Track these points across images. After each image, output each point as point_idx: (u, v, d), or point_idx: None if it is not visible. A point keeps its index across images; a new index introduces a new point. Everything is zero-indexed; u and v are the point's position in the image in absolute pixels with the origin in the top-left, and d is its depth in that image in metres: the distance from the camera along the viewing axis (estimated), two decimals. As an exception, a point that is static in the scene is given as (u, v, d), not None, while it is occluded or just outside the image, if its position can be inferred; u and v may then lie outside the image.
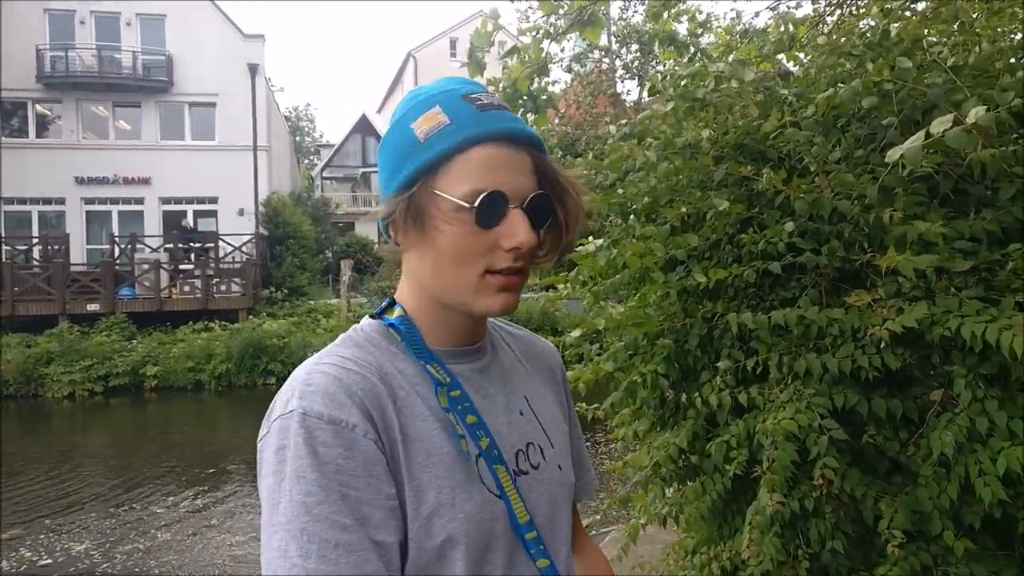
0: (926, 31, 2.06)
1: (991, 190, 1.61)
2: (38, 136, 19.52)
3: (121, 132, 20.00)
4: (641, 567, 2.94)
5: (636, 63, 17.89)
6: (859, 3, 3.23)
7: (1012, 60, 1.84)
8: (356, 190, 30.90)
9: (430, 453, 0.71)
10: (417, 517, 0.69)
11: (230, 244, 17.84)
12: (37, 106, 19.42)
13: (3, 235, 17.45)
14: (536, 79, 2.82)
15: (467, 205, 0.71)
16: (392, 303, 0.82)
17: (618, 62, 18.25)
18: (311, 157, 43.35)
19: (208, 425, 12.35)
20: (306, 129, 50.97)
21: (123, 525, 6.97)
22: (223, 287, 16.71)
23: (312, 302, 17.60)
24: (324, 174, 33.59)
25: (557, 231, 0.79)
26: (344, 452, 0.66)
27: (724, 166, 1.83)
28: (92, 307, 15.33)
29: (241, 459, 9.27)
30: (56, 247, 16.70)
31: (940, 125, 1.25)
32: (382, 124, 34.98)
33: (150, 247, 17.56)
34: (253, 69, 19.86)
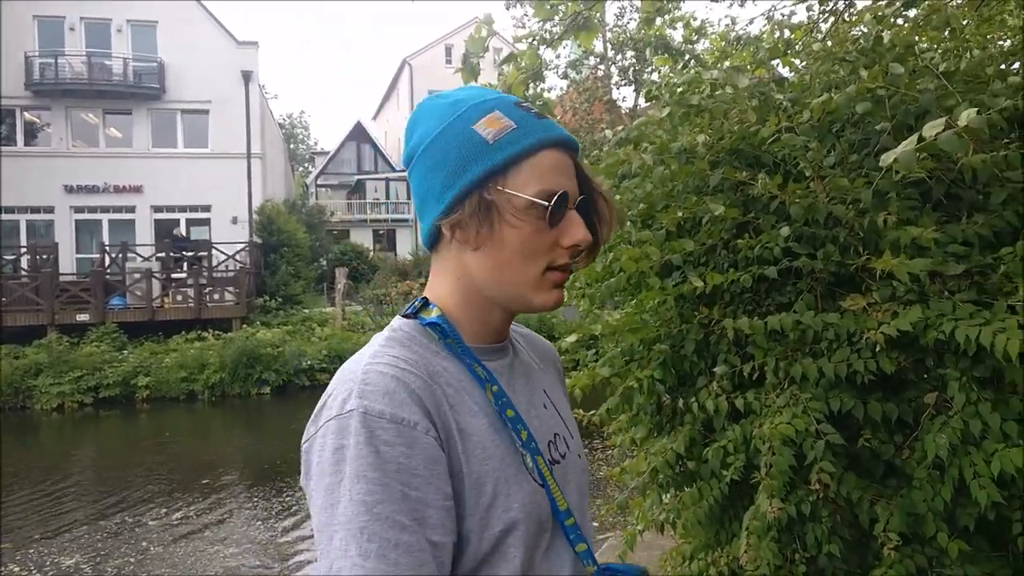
0: (918, 38, 2.09)
1: (983, 195, 1.62)
2: (27, 144, 19.33)
3: (112, 140, 19.88)
4: (638, 573, 2.92)
5: (632, 69, 17.97)
6: (852, 10, 3.26)
7: (1003, 66, 1.87)
8: (351, 197, 30.83)
9: (485, 447, 0.74)
10: (477, 509, 0.71)
11: (223, 252, 17.71)
12: (26, 113, 19.24)
13: (-8, 244, 17.33)
14: (531, 85, 2.83)
15: (544, 203, 0.75)
16: (425, 302, 0.83)
17: (614, 68, 18.33)
18: (305, 165, 43.24)
19: (201, 435, 12.24)
20: (300, 136, 50.96)
21: (114, 537, 6.89)
22: (216, 296, 16.56)
23: (307, 310, 17.49)
24: (318, 182, 33.47)
25: (594, 233, 0.83)
26: (406, 451, 0.67)
27: (720, 171, 1.84)
28: (82, 317, 15.14)
29: (235, 469, 9.20)
30: (45, 256, 16.45)
31: (932, 129, 1.26)
32: (377, 131, 35.01)
33: (142, 256, 17.42)
34: (247, 76, 19.77)
